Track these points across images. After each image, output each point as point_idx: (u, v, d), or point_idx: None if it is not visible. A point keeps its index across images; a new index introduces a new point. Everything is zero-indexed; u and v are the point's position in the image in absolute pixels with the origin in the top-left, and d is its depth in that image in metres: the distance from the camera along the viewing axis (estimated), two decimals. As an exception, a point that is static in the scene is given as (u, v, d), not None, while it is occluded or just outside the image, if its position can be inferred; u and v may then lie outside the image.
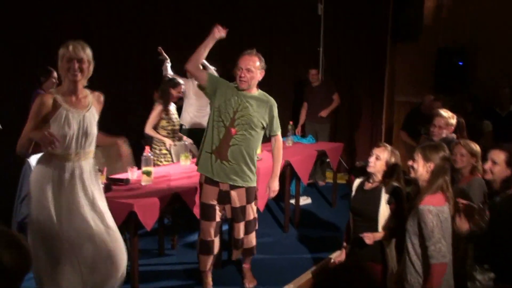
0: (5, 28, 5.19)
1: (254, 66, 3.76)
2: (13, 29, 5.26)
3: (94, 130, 3.29)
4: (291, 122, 6.48)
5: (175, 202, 3.93)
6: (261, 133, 3.91)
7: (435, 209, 2.99)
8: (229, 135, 3.76)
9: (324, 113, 7.35)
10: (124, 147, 3.56)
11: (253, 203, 3.97)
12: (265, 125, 3.88)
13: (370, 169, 3.76)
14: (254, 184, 3.93)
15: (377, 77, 8.10)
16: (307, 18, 8.22)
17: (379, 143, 3.89)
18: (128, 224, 3.56)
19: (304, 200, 6.61)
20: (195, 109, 6.40)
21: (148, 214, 3.58)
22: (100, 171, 3.85)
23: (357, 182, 3.96)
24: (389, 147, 3.80)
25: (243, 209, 3.90)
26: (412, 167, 3.19)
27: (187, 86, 6.12)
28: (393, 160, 3.73)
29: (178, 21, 7.18)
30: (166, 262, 4.68)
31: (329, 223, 5.90)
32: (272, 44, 8.04)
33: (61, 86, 3.27)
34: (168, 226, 5.02)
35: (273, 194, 4.13)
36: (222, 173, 3.79)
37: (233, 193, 3.84)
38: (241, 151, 3.78)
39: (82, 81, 3.23)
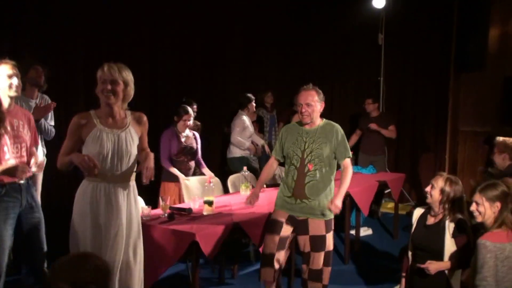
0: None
1: (313, 100, 3.91)
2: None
3: (131, 150, 3.23)
4: (351, 152, 6.43)
5: (236, 232, 3.98)
6: (334, 163, 4.00)
7: (493, 245, 2.87)
8: (302, 174, 3.91)
9: (374, 126, 7.09)
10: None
11: (331, 235, 4.00)
12: (334, 153, 3.97)
13: (428, 200, 3.68)
14: (332, 217, 4.01)
15: (440, 107, 7.96)
16: (367, 48, 8.23)
17: (437, 173, 3.80)
18: (190, 253, 3.64)
19: (365, 231, 6.53)
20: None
21: (210, 244, 3.64)
22: (163, 200, 3.99)
23: (417, 213, 3.84)
24: (445, 175, 3.68)
25: (322, 239, 3.93)
26: (478, 211, 3.08)
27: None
28: (449, 187, 3.58)
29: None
30: (225, 292, 4.73)
31: (390, 254, 5.78)
32: (332, 75, 8.11)
33: (100, 108, 3.24)
34: (229, 255, 5.08)
35: (336, 210, 4.08)
36: (304, 210, 3.93)
37: (311, 222, 3.92)
38: (317, 186, 3.90)
39: (118, 104, 3.20)
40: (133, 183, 3.32)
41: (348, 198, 5.26)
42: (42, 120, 4.61)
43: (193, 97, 6.26)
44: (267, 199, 4.56)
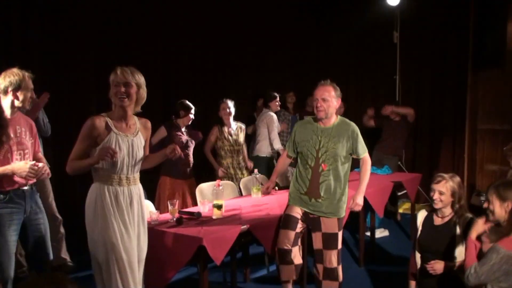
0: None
1: (329, 95, 3.88)
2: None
3: (141, 155, 3.34)
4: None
5: (246, 236, 3.93)
6: (348, 162, 3.98)
7: (505, 253, 2.76)
8: (317, 174, 3.88)
9: (389, 108, 6.98)
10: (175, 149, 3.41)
11: (341, 233, 4.01)
12: (350, 152, 3.97)
13: (437, 206, 3.59)
14: (344, 215, 4.01)
15: (458, 105, 7.80)
16: (382, 46, 8.11)
17: (436, 177, 3.67)
18: (199, 257, 3.60)
19: (381, 233, 6.43)
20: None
21: (218, 249, 3.59)
22: (172, 204, 3.96)
23: (421, 215, 3.77)
24: (446, 176, 3.61)
25: (335, 236, 3.91)
26: (489, 209, 2.98)
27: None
28: (458, 188, 3.54)
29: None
30: (237, 296, 4.69)
31: (406, 256, 5.64)
32: (346, 74, 8.01)
33: (112, 111, 3.26)
34: (240, 259, 5.04)
35: (357, 208, 4.16)
36: (318, 209, 3.92)
37: (324, 219, 3.90)
38: (331, 185, 3.89)
39: (132, 107, 3.26)
40: (141, 186, 3.40)
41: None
42: (40, 114, 4.56)
43: (204, 100, 6.24)
44: (278, 201, 4.51)
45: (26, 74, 3.51)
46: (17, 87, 3.46)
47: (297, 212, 3.95)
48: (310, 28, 8.19)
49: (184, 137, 5.52)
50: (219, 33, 7.10)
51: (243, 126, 6.02)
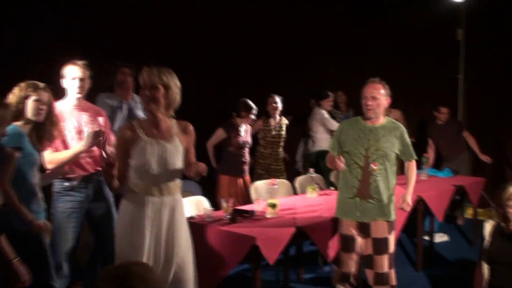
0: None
1: (379, 94, 3.75)
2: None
3: (176, 163, 3.01)
4: (425, 154, 6.15)
5: (300, 237, 3.88)
6: (396, 164, 3.86)
7: None
8: (367, 174, 3.75)
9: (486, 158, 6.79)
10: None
11: (393, 236, 3.88)
12: (398, 154, 3.84)
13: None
14: (394, 218, 3.87)
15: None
16: (442, 43, 7.78)
17: (505, 185, 3.47)
18: (252, 256, 3.58)
19: (441, 237, 6.21)
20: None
21: (271, 248, 3.56)
22: (226, 202, 3.95)
23: (489, 226, 3.56)
24: None
25: (385, 241, 3.80)
26: None
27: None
28: None
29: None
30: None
31: (466, 262, 5.43)
32: (400, 73, 7.70)
33: (143, 118, 3.14)
34: (294, 257, 4.98)
35: (406, 207, 4.12)
36: (368, 212, 3.78)
37: (374, 224, 3.79)
38: (381, 185, 3.76)
39: (162, 111, 2.97)
40: (178, 196, 3.11)
41: (420, 203, 5.02)
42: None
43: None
44: (333, 202, 4.41)
45: (81, 63, 3.71)
46: (75, 78, 3.67)
47: (350, 229, 3.82)
48: (359, 23, 7.89)
49: (242, 139, 5.62)
50: (263, 31, 6.98)
51: (287, 121, 6.27)
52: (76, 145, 3.61)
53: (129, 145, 2.96)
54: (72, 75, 3.67)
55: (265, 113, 6.15)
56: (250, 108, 5.60)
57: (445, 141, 6.85)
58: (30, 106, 3.17)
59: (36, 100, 3.17)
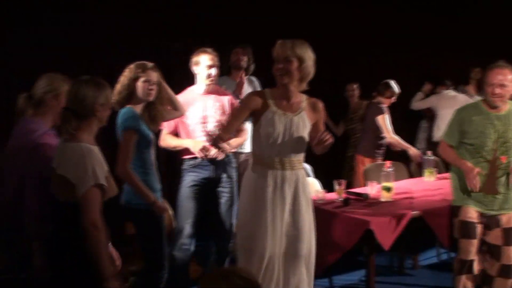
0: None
1: (507, 80, 3.35)
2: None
3: (302, 136, 3.03)
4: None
5: (417, 222, 3.68)
6: None
7: None
8: (494, 168, 3.45)
9: None
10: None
11: None
12: None
13: None
14: None
15: None
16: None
17: None
18: (364, 241, 3.46)
19: None
20: None
21: (386, 233, 3.43)
22: (339, 184, 3.85)
23: None
24: None
25: None
26: None
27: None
28: None
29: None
30: (404, 282, 4.44)
31: None
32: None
33: (277, 87, 3.08)
34: (409, 242, 4.77)
35: None
36: (496, 206, 3.51)
37: (503, 216, 3.51)
38: (509, 178, 3.46)
39: (295, 84, 3.00)
40: (302, 173, 3.12)
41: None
42: None
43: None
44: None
45: (213, 52, 3.80)
46: (210, 66, 3.76)
47: (473, 216, 3.52)
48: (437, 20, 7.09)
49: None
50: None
51: None
52: (188, 140, 3.75)
53: (255, 111, 3.03)
54: (206, 63, 3.74)
55: None
56: (394, 92, 5.44)
57: None
58: (140, 87, 3.24)
59: (146, 81, 3.23)
